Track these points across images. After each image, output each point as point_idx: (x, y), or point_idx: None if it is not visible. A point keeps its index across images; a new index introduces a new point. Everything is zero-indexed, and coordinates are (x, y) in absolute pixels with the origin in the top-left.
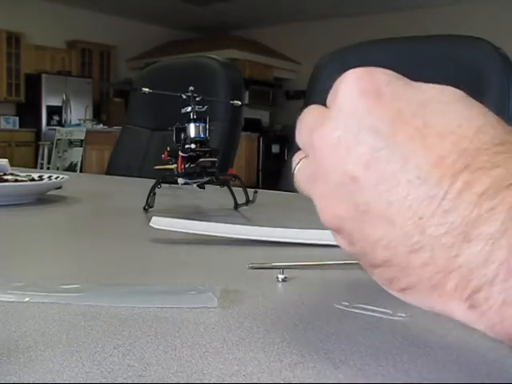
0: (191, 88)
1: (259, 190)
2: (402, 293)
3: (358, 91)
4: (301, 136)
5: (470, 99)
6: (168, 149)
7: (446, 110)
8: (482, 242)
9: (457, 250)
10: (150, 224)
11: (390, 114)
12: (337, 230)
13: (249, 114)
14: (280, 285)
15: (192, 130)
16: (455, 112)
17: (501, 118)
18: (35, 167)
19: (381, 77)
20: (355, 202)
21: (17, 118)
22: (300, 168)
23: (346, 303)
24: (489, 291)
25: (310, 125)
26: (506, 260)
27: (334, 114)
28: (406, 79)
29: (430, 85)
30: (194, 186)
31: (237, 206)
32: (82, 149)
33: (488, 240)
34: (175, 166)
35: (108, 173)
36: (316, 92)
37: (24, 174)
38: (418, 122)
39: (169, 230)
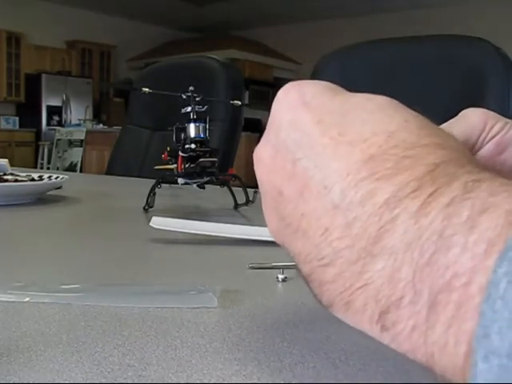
0: (191, 88)
1: (259, 190)
2: (330, 310)
3: (285, 105)
4: None
5: (399, 107)
6: (168, 149)
7: (366, 118)
8: (385, 257)
9: (361, 267)
10: (150, 224)
11: (310, 125)
12: (281, 244)
13: (249, 114)
14: (280, 285)
15: (192, 130)
16: (374, 120)
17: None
18: (35, 167)
19: (308, 89)
20: (281, 216)
21: (17, 118)
22: None
23: None
24: (396, 314)
25: None
26: (411, 279)
27: (266, 131)
28: (338, 90)
29: (360, 94)
30: (194, 186)
31: (237, 205)
32: (82, 149)
33: (390, 255)
34: (175, 166)
35: (108, 173)
36: None
37: (24, 174)
38: (334, 132)
39: (169, 230)
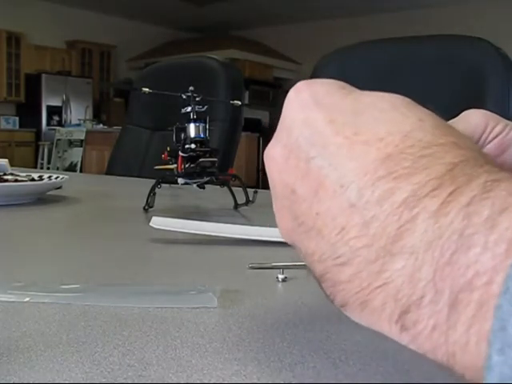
0: (191, 88)
1: (259, 190)
2: (343, 309)
3: (297, 105)
4: None
5: (412, 106)
6: (168, 149)
7: (380, 117)
8: (405, 256)
9: (380, 266)
10: (150, 224)
11: (323, 124)
12: (291, 244)
13: (249, 113)
14: (280, 285)
15: (192, 130)
16: (388, 119)
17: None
18: (35, 167)
19: (319, 88)
20: (294, 215)
21: (17, 118)
22: None
23: None
24: (417, 314)
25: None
26: (432, 279)
27: (277, 131)
28: (349, 89)
29: (372, 93)
30: (194, 186)
31: (237, 205)
32: (82, 149)
33: (411, 254)
34: (175, 166)
35: (108, 173)
36: None
37: (24, 174)
38: (349, 131)
39: (169, 230)
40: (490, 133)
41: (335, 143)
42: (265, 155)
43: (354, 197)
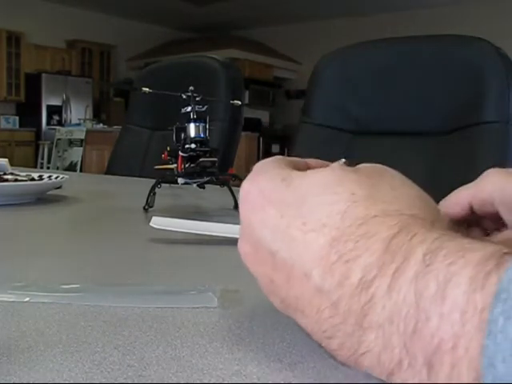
0: (191, 88)
1: None
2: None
3: (250, 207)
4: None
5: (343, 179)
6: (168, 149)
7: (318, 202)
8: (374, 329)
9: (358, 338)
10: (150, 224)
11: (276, 221)
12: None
13: (249, 113)
14: None
15: (192, 129)
16: (325, 202)
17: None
18: (35, 167)
19: (265, 185)
20: (280, 298)
21: (17, 118)
22: None
23: None
24: (401, 376)
25: None
26: (404, 346)
27: (242, 228)
28: (288, 179)
29: (307, 175)
30: (194, 185)
31: (237, 205)
32: (81, 148)
33: (379, 328)
34: (175, 165)
35: (108, 173)
36: (316, 92)
37: (24, 174)
38: (299, 222)
39: (169, 230)
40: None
41: (290, 236)
42: (239, 251)
43: (318, 283)
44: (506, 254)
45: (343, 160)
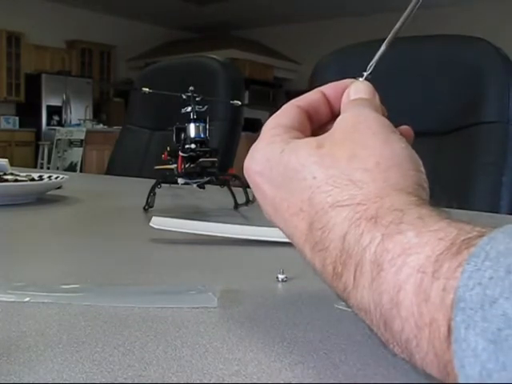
0: (191, 88)
1: None
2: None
3: (252, 185)
4: None
5: (308, 163)
6: (168, 149)
7: (296, 187)
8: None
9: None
10: (150, 224)
11: (271, 200)
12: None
13: (249, 113)
14: (280, 285)
15: (192, 130)
16: (300, 188)
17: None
18: (35, 167)
19: (261, 163)
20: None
21: (17, 118)
22: None
23: None
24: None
25: None
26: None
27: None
28: (280, 154)
29: (292, 155)
30: (194, 185)
31: (237, 205)
32: (82, 149)
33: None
34: (175, 166)
35: (108, 173)
36: None
37: (24, 174)
38: (285, 205)
39: (169, 230)
40: None
41: (282, 217)
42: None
43: (310, 259)
44: (456, 249)
45: (365, 74)
